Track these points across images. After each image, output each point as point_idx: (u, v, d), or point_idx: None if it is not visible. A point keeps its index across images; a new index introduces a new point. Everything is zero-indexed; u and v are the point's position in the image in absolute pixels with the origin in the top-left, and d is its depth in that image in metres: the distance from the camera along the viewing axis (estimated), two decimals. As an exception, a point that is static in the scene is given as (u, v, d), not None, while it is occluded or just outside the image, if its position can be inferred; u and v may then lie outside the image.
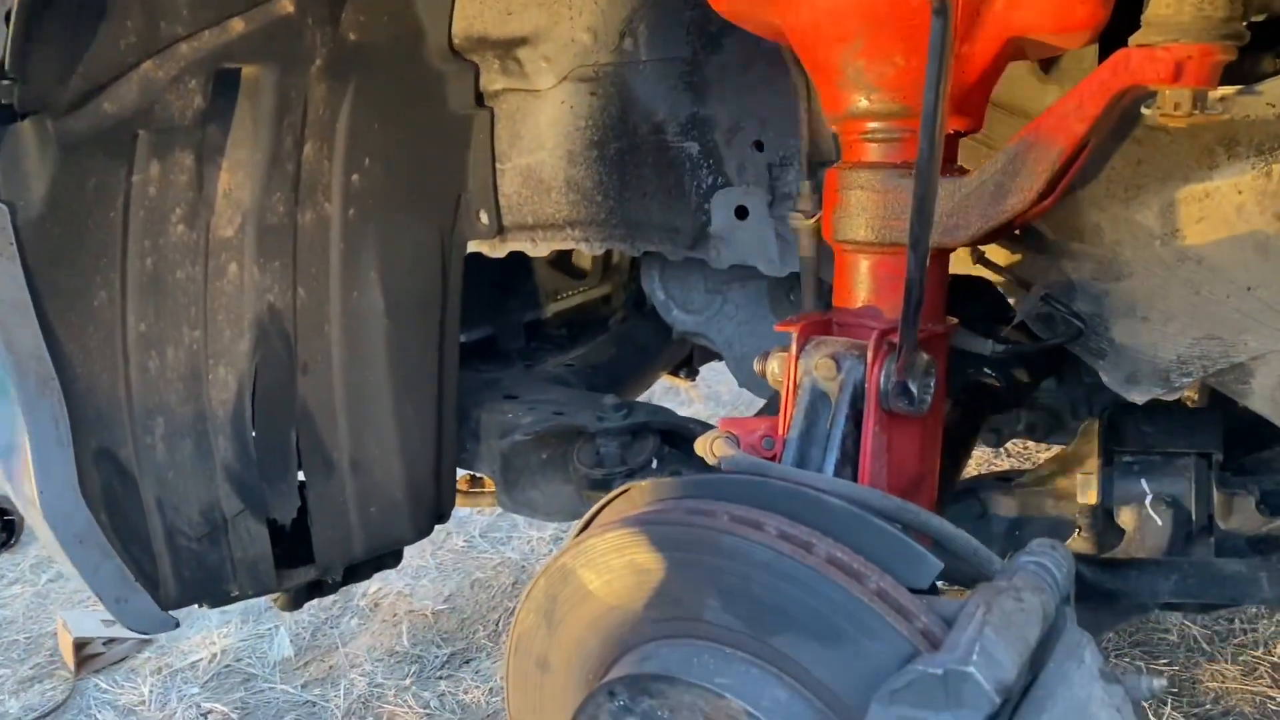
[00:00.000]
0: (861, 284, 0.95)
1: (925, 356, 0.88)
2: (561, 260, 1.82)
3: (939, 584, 0.81)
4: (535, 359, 1.90)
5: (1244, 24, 0.83)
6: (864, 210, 0.92)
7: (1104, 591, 1.15)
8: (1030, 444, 3.16)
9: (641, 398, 2.18)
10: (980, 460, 3.23)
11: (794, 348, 0.93)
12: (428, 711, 2.51)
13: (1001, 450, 3.20)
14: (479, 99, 1.34)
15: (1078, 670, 0.70)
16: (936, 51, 0.58)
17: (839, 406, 0.91)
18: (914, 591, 0.75)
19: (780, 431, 0.92)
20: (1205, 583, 1.12)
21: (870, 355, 0.88)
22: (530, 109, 1.32)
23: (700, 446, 0.96)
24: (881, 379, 0.87)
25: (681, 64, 1.21)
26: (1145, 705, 2.11)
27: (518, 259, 1.44)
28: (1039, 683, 0.69)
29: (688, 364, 2.21)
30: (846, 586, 0.73)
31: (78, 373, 1.03)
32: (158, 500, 1.17)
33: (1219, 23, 0.81)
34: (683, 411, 3.98)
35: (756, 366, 1.03)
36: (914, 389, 0.87)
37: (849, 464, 0.90)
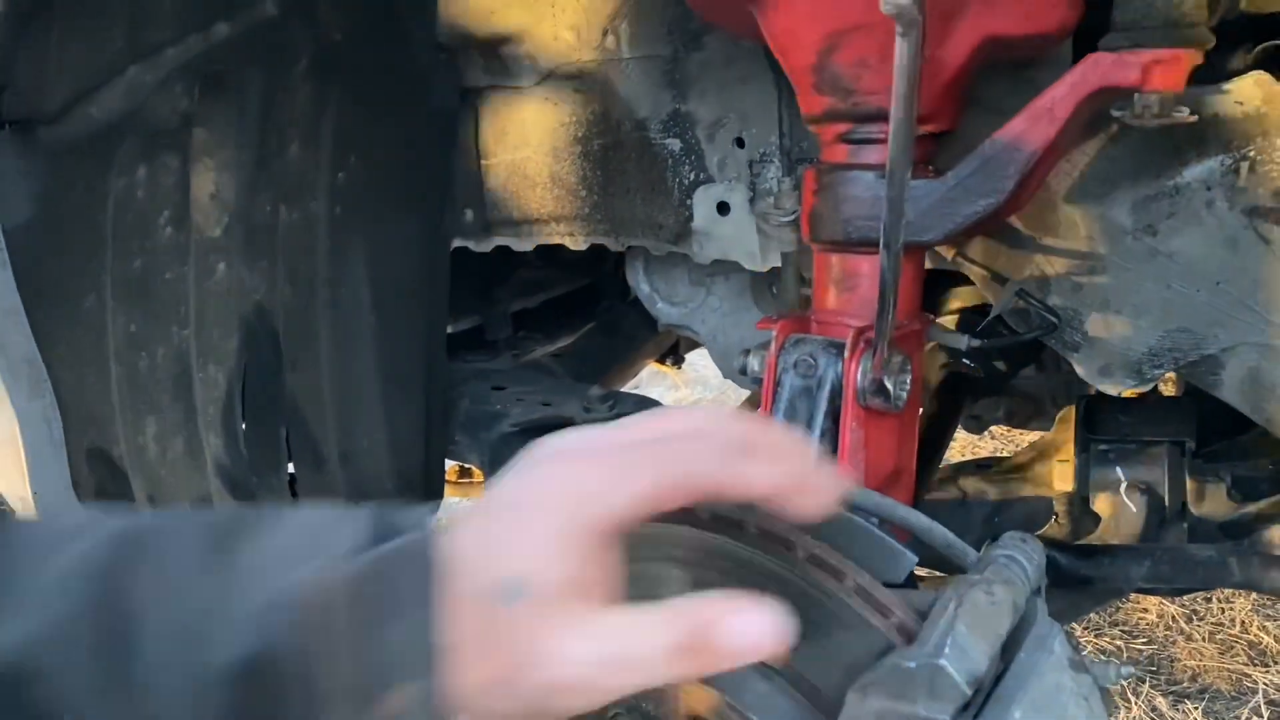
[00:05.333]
0: (839, 283, 0.97)
1: (900, 354, 0.90)
2: (548, 251, 1.84)
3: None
4: (523, 349, 1.92)
5: (1211, 28, 0.85)
6: (840, 210, 0.94)
7: (1079, 577, 1.17)
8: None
9: (630, 383, 2.20)
10: (965, 442, 3.27)
11: (774, 345, 0.95)
12: None
13: (985, 433, 3.23)
14: (463, 96, 1.35)
15: (1047, 660, 0.73)
16: (905, 62, 0.60)
17: (817, 403, 0.93)
18: (889, 585, 0.77)
19: (761, 428, 0.94)
20: (1177, 568, 1.15)
21: (847, 353, 0.90)
22: (514, 106, 1.33)
23: (683, 442, 0.98)
24: (858, 376, 0.89)
25: (663, 61, 1.22)
26: (1124, 684, 2.15)
27: (504, 250, 1.45)
28: (1009, 673, 0.71)
29: (674, 352, 2.23)
30: (826, 584, 0.75)
31: (69, 374, 1.04)
32: (150, 497, 1.19)
33: (1186, 27, 0.83)
34: (671, 396, 4.01)
35: (737, 364, 1.05)
36: (890, 386, 0.89)
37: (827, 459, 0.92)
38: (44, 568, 0.52)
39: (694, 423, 0.60)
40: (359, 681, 0.51)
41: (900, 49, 0.58)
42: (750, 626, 0.54)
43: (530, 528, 0.53)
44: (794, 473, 0.60)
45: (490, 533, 0.53)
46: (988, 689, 0.69)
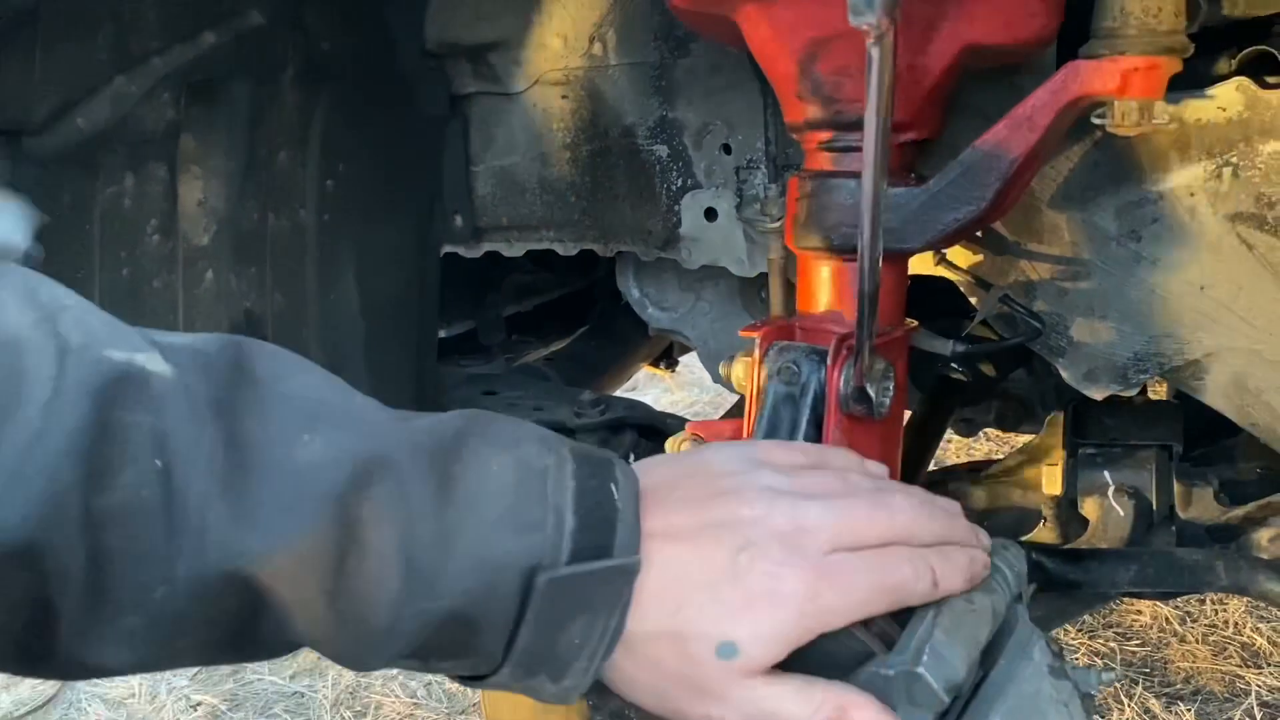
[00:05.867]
0: (822, 290, 0.97)
1: (882, 361, 0.90)
2: (541, 256, 1.84)
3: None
4: (516, 352, 1.92)
5: (1189, 35, 0.86)
6: (823, 218, 0.94)
7: (1067, 582, 1.18)
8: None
9: (626, 386, 2.20)
10: (961, 445, 3.27)
11: (757, 353, 0.95)
12: (414, 700, 2.54)
13: (980, 435, 3.24)
14: (451, 102, 1.35)
15: (1027, 667, 0.73)
16: (877, 74, 0.61)
17: (800, 410, 0.93)
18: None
19: (745, 434, 0.95)
20: (1164, 572, 1.15)
21: (829, 360, 0.90)
22: (503, 112, 1.34)
23: (670, 448, 0.98)
24: (840, 383, 0.89)
25: (650, 68, 1.23)
26: (1116, 686, 2.15)
27: (498, 255, 1.46)
28: (989, 680, 0.71)
29: (667, 355, 2.23)
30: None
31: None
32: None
33: (1164, 35, 0.84)
34: (665, 399, 4.00)
35: (722, 371, 1.05)
36: (872, 392, 0.89)
37: (811, 466, 0.92)
38: (287, 475, 0.55)
39: (900, 522, 0.68)
40: (533, 657, 0.60)
41: (871, 62, 0.59)
42: None
43: (765, 620, 0.61)
44: (975, 562, 0.72)
45: (731, 601, 0.61)
46: (966, 696, 0.70)
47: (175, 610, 0.53)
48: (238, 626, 0.56)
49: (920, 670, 0.66)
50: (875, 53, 0.57)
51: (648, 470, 0.67)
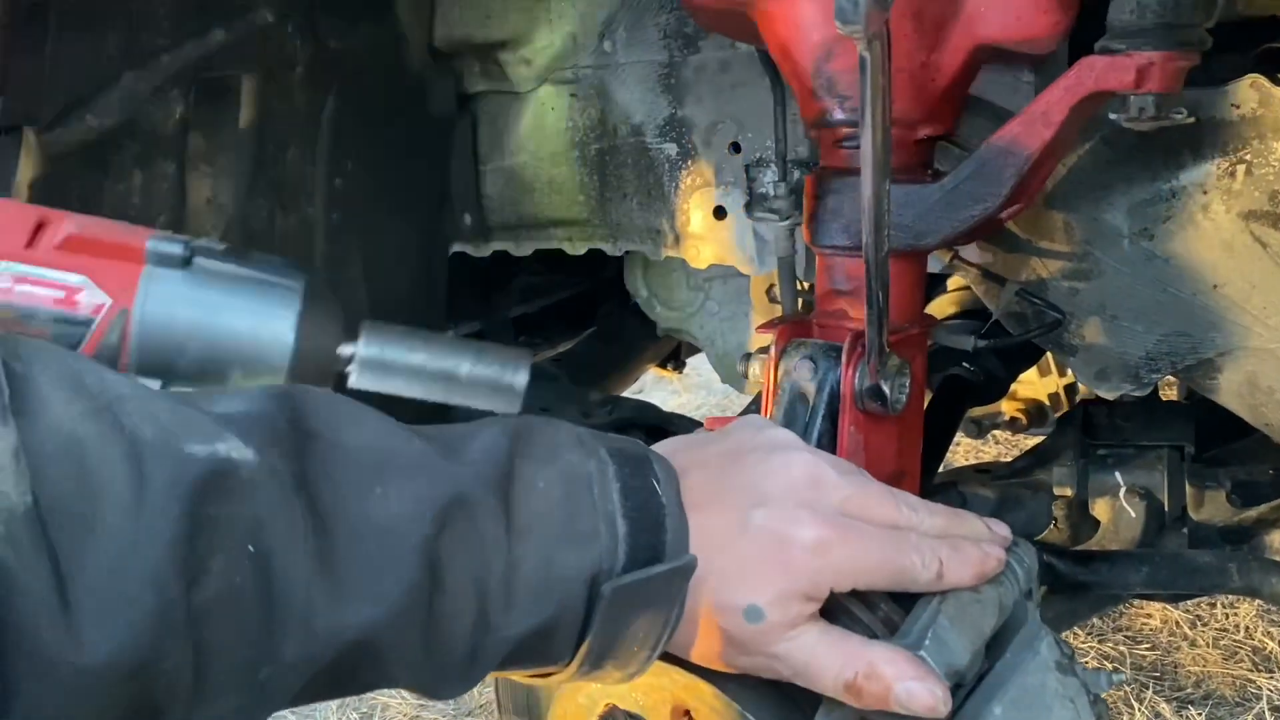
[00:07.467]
0: (839, 287, 0.97)
1: (897, 358, 0.89)
2: (549, 256, 1.84)
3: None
4: (523, 353, 1.91)
5: (1207, 30, 0.85)
6: (840, 215, 0.94)
7: (1077, 583, 1.17)
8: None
9: (634, 387, 2.20)
10: (970, 448, 3.26)
11: (773, 350, 0.95)
12: (421, 703, 2.53)
13: (989, 437, 3.23)
14: (460, 101, 1.35)
15: (1033, 661, 0.73)
16: (870, 77, 0.61)
17: (816, 407, 0.92)
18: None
19: (758, 432, 0.94)
20: (1176, 574, 1.15)
21: (845, 357, 0.90)
22: (511, 111, 1.34)
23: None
24: (855, 380, 0.89)
25: (659, 66, 1.23)
26: (1126, 690, 2.14)
27: (506, 255, 1.45)
28: (993, 671, 0.72)
29: (675, 357, 2.23)
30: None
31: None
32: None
33: (1181, 29, 0.83)
34: (673, 400, 4.00)
35: (739, 368, 1.05)
36: (887, 389, 0.89)
37: (825, 463, 0.92)
38: (372, 535, 0.56)
39: (908, 511, 0.70)
40: (600, 654, 0.63)
41: (864, 66, 0.59)
42: (922, 695, 0.64)
43: (779, 576, 0.64)
44: (988, 558, 0.73)
45: (746, 562, 0.65)
46: (970, 685, 0.70)
47: (278, 685, 0.53)
48: (343, 682, 0.57)
49: (921, 654, 0.67)
50: (867, 57, 0.57)
51: (676, 453, 0.70)
